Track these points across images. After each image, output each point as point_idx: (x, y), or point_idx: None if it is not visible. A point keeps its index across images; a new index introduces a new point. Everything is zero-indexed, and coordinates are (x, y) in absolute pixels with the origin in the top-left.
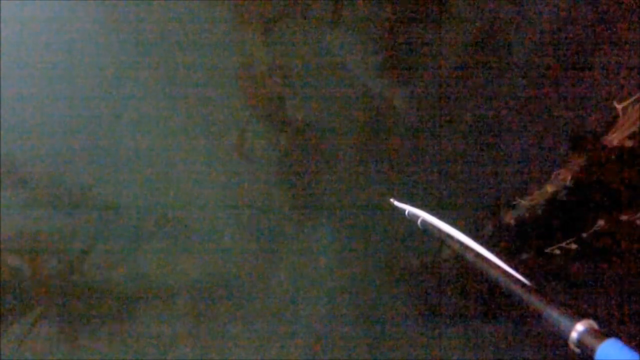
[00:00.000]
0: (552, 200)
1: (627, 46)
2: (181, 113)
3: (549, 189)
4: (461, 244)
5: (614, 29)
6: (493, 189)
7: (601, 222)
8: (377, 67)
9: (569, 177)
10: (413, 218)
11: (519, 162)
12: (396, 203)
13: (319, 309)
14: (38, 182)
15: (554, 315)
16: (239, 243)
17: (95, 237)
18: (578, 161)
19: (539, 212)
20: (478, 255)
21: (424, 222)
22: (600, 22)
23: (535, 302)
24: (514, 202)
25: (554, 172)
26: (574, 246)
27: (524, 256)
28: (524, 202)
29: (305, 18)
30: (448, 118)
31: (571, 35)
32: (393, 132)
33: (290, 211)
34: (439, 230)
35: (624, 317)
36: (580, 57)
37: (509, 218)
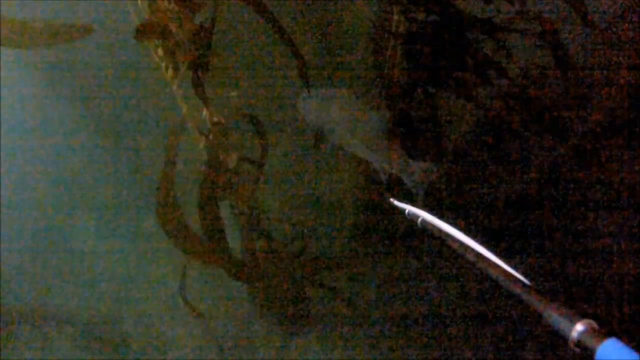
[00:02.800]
0: None
1: None
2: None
3: None
4: (461, 244)
5: None
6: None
7: None
8: (376, 132)
9: None
10: (413, 218)
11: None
12: (396, 202)
13: None
14: None
15: (554, 315)
16: None
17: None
18: None
19: None
20: (478, 255)
21: (424, 221)
22: None
23: (535, 302)
24: None
25: None
26: None
27: None
28: None
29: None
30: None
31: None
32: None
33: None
34: (439, 230)
35: (624, 317)
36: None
37: None
